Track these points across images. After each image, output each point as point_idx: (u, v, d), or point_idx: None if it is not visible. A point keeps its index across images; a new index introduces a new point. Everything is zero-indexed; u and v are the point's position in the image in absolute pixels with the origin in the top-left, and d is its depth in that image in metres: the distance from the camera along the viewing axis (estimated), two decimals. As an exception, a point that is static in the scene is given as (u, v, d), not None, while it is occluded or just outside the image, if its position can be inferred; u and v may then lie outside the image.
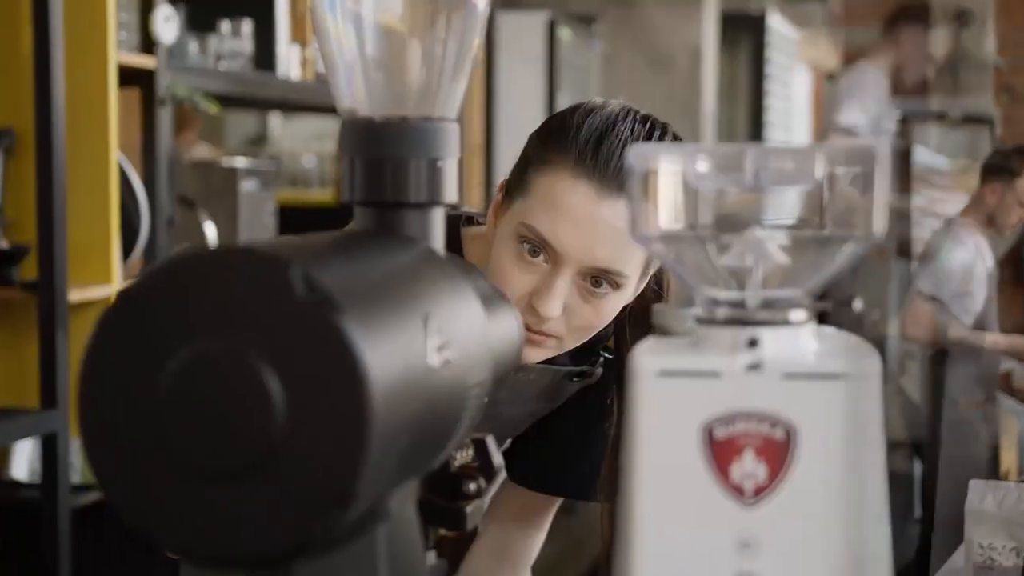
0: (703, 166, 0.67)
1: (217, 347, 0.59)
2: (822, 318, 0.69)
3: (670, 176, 0.68)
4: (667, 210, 0.69)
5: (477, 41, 0.79)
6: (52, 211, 2.35)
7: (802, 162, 0.66)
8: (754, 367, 0.65)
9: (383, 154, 0.76)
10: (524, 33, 5.70)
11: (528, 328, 1.22)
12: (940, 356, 4.33)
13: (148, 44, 2.65)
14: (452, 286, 0.73)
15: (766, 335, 0.66)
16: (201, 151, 3.92)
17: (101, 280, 2.49)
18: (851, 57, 9.85)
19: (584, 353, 1.36)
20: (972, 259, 4.21)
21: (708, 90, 5.76)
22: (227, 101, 3.13)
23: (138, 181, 2.57)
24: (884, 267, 5.93)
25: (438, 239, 0.77)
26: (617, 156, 1.21)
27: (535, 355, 1.26)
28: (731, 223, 0.70)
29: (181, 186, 3.04)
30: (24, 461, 2.58)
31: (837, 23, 9.93)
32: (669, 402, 0.65)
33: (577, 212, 1.19)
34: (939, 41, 4.42)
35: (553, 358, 1.30)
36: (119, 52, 2.56)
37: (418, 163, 0.76)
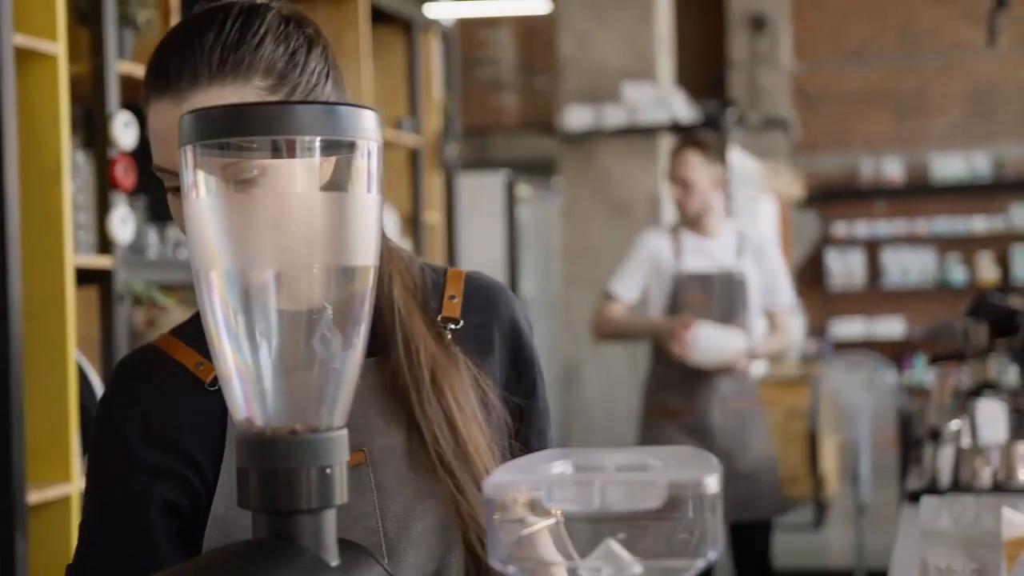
0: (557, 494, 0.74)
1: None
2: None
3: (525, 502, 0.74)
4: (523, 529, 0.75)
5: (359, 354, 0.86)
6: (10, 414, 2.40)
7: (643, 491, 0.72)
8: None
9: (275, 466, 0.82)
10: (484, 192, 5.85)
11: None
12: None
13: (105, 243, 2.73)
14: (336, 600, 0.79)
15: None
16: (177, 316, 3.98)
17: (60, 479, 2.53)
18: (815, 182, 10.10)
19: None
20: (646, 257, 4.11)
21: (669, 233, 5.88)
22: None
23: (96, 378, 2.62)
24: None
25: (329, 540, 0.83)
26: (177, 50, 1.16)
27: None
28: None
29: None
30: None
31: (800, 151, 10.20)
32: None
33: (167, 129, 1.15)
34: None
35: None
36: (77, 254, 2.64)
37: (308, 472, 0.82)
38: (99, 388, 2.61)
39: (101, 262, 2.71)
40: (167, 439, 1.21)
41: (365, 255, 0.84)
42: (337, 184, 0.84)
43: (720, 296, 4.02)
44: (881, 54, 10.27)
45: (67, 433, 2.54)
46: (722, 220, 4.12)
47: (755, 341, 4.06)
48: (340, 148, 0.83)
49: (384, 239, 1.33)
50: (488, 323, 1.32)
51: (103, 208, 2.73)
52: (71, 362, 2.54)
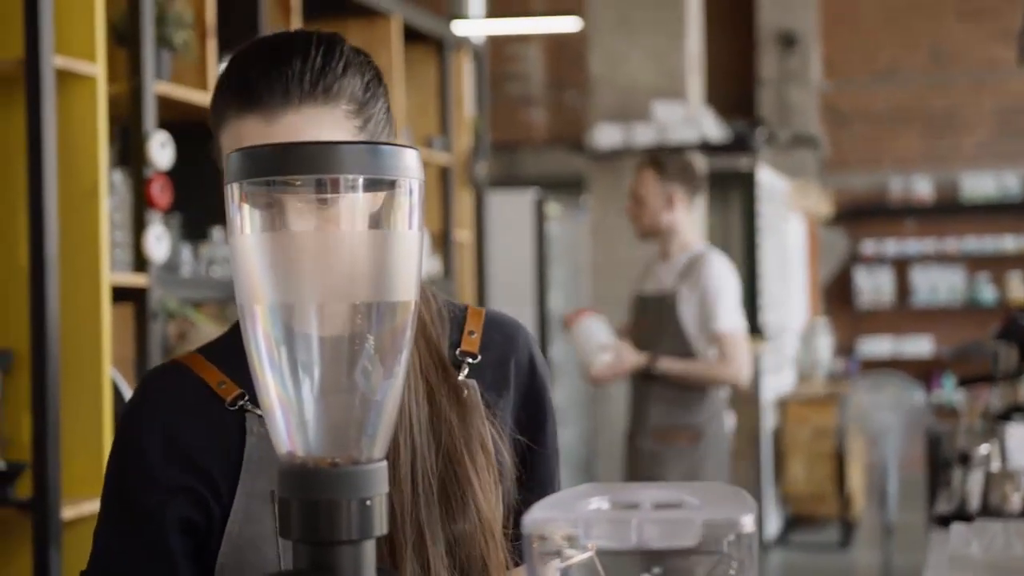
0: (594, 531, 0.75)
1: None
2: None
3: (563, 537, 0.76)
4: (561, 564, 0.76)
5: (400, 385, 0.87)
6: (46, 430, 2.43)
7: (679, 529, 0.74)
8: None
9: (316, 497, 0.84)
10: (514, 209, 5.87)
11: None
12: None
13: (141, 261, 2.76)
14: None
15: None
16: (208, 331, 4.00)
17: (94, 495, 2.55)
18: (844, 200, 10.07)
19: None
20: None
21: (698, 251, 5.88)
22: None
23: (131, 395, 2.65)
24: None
25: (369, 570, 0.85)
26: (263, 71, 1.17)
27: None
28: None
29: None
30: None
31: (829, 169, 10.18)
32: None
33: (250, 144, 1.14)
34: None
35: None
36: (113, 271, 2.67)
37: (348, 504, 0.84)
38: (133, 405, 2.63)
39: (136, 280, 2.74)
40: (187, 456, 1.22)
41: (406, 291, 0.86)
42: (379, 221, 0.86)
43: (652, 318, 4.00)
44: (911, 72, 10.24)
45: (102, 450, 2.57)
46: (683, 244, 4.02)
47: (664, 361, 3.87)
48: (383, 186, 0.85)
49: None
50: (506, 360, 1.32)
51: (139, 227, 2.76)
52: (106, 379, 2.57)
